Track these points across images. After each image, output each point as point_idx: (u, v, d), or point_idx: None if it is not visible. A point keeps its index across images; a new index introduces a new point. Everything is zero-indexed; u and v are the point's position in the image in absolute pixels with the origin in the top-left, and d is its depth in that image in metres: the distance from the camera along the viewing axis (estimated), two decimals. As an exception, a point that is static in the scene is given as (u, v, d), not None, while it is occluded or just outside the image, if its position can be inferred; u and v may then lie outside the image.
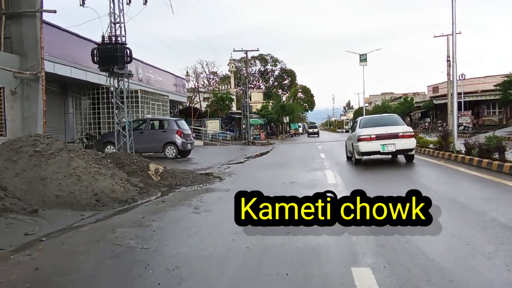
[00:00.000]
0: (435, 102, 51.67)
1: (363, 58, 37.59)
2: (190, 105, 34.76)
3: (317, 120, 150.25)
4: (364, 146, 12.32)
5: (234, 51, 41.94)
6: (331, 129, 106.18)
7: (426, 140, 17.30)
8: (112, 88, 13.73)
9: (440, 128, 45.22)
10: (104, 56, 12.95)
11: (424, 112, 56.63)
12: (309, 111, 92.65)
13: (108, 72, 13.52)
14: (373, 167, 12.90)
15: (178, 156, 18.12)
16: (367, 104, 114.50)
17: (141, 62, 23.93)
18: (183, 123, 18.44)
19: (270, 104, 56.59)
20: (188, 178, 11.25)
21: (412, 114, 59.63)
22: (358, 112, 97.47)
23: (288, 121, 62.81)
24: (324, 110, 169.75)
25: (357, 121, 14.49)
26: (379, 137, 12.12)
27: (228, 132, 50.47)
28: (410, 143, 12.31)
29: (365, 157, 13.22)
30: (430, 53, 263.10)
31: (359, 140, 12.40)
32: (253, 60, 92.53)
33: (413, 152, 12.75)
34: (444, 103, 50.64)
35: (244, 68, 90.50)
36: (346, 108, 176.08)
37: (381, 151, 12.18)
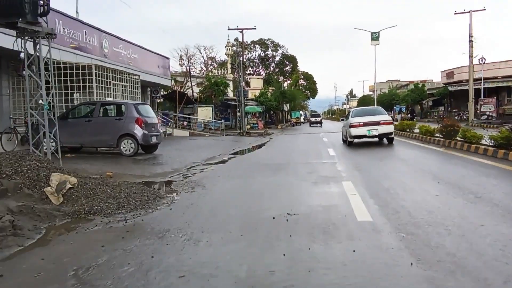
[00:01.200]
0: (450, 88, 46.76)
1: (375, 37, 32.79)
2: (175, 88, 30.06)
3: (318, 108, 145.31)
4: (354, 131, 15.72)
5: (228, 29, 37.07)
6: (334, 118, 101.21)
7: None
8: (22, 55, 9.08)
9: (456, 118, 40.57)
10: (2, 4, 8.29)
11: (436, 100, 51.75)
12: (311, 98, 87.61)
13: (15, 30, 8.84)
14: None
15: (141, 152, 13.51)
16: (371, 92, 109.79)
17: (107, 33, 19.19)
18: (146, 109, 13.73)
19: (270, 90, 51.72)
20: (118, 197, 6.66)
21: (424, 102, 54.75)
22: (363, 100, 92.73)
23: (288, 109, 57.81)
24: (326, 98, 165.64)
25: (350, 111, 19.24)
26: (365, 124, 15.48)
27: (222, 120, 45.94)
28: (389, 128, 15.76)
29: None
30: (434, 41, 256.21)
31: (351, 126, 15.79)
32: (252, 45, 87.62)
33: (392, 136, 16.17)
34: (461, 90, 45.81)
35: (241, 50, 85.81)
36: (349, 96, 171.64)
37: (367, 134, 15.58)
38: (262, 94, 49.01)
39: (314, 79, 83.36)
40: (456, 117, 40.64)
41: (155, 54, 25.89)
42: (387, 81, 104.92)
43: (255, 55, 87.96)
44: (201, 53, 67.10)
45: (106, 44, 19.11)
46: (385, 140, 16.59)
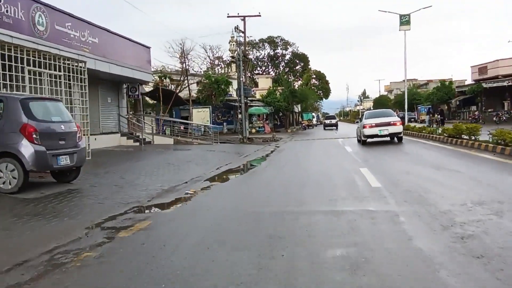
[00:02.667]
0: (484, 85, 40.26)
1: (404, 20, 26.60)
2: (159, 86, 24.30)
3: (330, 110, 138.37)
4: (367, 131, 17.71)
5: (228, 16, 31.26)
6: (348, 120, 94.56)
7: None
8: None
9: (495, 119, 34.05)
10: None
11: (466, 99, 45.23)
12: (323, 99, 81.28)
13: None
14: None
15: (51, 180, 7.70)
16: (386, 92, 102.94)
17: (44, 4, 13.49)
18: (48, 108, 7.85)
19: (279, 90, 45.72)
20: None
21: (451, 101, 48.19)
22: (379, 100, 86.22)
23: (299, 110, 51.45)
24: (338, 100, 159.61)
25: (363, 114, 21.72)
26: (377, 125, 17.51)
27: (224, 124, 40.16)
28: (398, 129, 17.66)
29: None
30: (449, 40, 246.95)
31: (364, 127, 17.84)
32: (261, 43, 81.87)
33: (401, 135, 18.16)
34: (496, 87, 39.40)
35: (249, 49, 79.82)
36: (362, 97, 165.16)
37: (379, 134, 17.52)
38: (270, 93, 43.06)
39: (327, 78, 77.05)
40: (494, 118, 34.38)
41: (130, 42, 20.15)
42: (403, 80, 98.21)
43: (264, 53, 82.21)
44: (206, 52, 61.87)
45: (42, 19, 13.38)
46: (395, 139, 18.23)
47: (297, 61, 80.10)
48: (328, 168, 10.99)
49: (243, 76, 27.80)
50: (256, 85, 67.23)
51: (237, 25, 28.13)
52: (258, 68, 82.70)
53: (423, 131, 21.15)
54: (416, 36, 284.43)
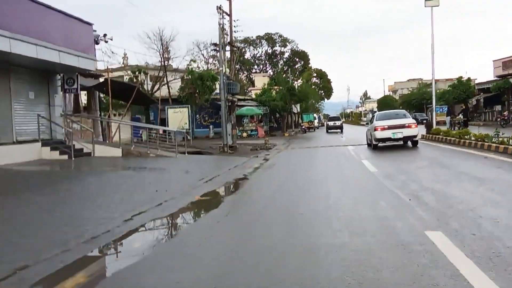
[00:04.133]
0: (512, 81, 34.24)
1: (433, -7, 20.78)
2: (106, 77, 18.24)
3: (331, 112, 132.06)
4: (379, 134, 15.48)
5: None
6: (350, 122, 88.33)
7: None
8: None
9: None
10: None
11: (488, 97, 39.21)
12: (325, 99, 75.17)
13: None
14: None
15: None
16: (390, 93, 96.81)
17: None
18: None
19: (275, 88, 39.71)
20: None
21: (470, 100, 42.10)
22: (383, 101, 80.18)
23: (298, 110, 44.93)
24: (338, 101, 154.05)
25: (374, 115, 19.31)
26: (390, 127, 15.42)
27: (211, 127, 34.14)
28: (414, 131, 15.51)
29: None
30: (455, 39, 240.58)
31: (375, 129, 15.55)
32: (258, 41, 76.04)
33: (417, 139, 16.00)
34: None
35: (245, 46, 73.83)
36: (363, 98, 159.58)
37: (392, 137, 15.45)
38: (265, 92, 37.09)
39: (329, 77, 71.04)
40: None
41: (62, 15, 14.20)
42: (408, 80, 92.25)
43: (262, 51, 76.34)
44: (200, 50, 55.86)
45: None
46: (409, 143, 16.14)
47: (297, 59, 74.19)
48: (354, 210, 5.16)
49: (226, 69, 21.74)
50: (253, 84, 61.27)
51: (220, 5, 22.12)
52: (256, 67, 76.94)
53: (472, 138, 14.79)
54: (418, 36, 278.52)
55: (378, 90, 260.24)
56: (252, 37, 76.07)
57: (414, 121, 16.26)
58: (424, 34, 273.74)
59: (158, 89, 32.25)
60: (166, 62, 32.35)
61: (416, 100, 57.02)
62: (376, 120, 16.55)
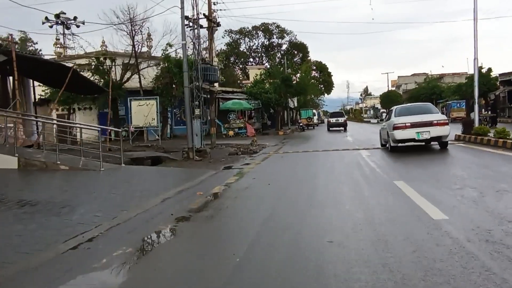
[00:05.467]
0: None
1: None
2: (11, 48, 12.71)
3: (330, 108, 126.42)
4: (399, 134, 12.23)
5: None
6: (353, 118, 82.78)
7: None
8: None
9: None
10: None
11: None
12: (325, 94, 69.72)
13: None
14: None
15: None
16: (393, 88, 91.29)
17: None
18: None
19: (269, 80, 34.33)
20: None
21: (490, 94, 36.76)
22: (387, 96, 74.97)
23: (296, 105, 38.84)
24: (337, 98, 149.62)
25: (392, 109, 14.15)
26: (414, 125, 12.09)
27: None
28: (444, 130, 12.08)
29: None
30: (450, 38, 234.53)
31: (395, 128, 12.28)
32: (254, 32, 70.67)
33: (447, 139, 12.44)
34: None
35: (241, 38, 68.43)
36: (364, 94, 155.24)
37: (416, 138, 12.13)
38: (257, 83, 31.75)
39: (329, 70, 65.60)
40: None
41: None
42: (412, 74, 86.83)
43: (258, 43, 70.91)
44: (192, 41, 50.63)
45: None
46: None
47: (295, 52, 68.75)
48: None
49: (194, 49, 16.37)
50: (248, 77, 55.82)
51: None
52: (252, 60, 71.49)
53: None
54: (417, 35, 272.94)
55: (378, 87, 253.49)
56: (248, 27, 70.74)
57: (444, 117, 12.95)
58: (422, 33, 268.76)
59: (129, 78, 26.91)
60: (138, 47, 27.00)
61: (425, 95, 51.66)
62: (395, 116, 12.99)
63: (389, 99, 73.59)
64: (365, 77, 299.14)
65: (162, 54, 26.38)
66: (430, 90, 50.40)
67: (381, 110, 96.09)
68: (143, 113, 20.14)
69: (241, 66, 68.82)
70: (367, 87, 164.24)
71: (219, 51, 70.16)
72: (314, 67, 64.13)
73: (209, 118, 26.64)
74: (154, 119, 20.05)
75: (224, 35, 69.98)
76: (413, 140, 12.27)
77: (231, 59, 70.39)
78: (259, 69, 56.63)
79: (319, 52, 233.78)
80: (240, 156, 14.18)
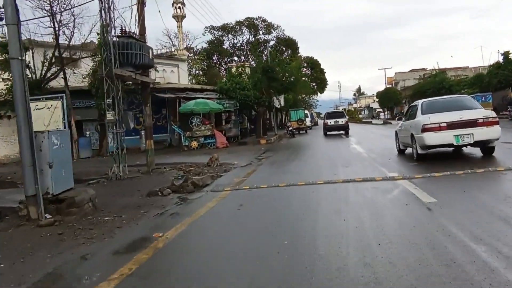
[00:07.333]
0: None
1: None
2: None
3: (323, 109, 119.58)
4: (431, 138, 9.04)
5: None
6: (350, 119, 75.50)
7: None
8: None
9: None
10: None
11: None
12: (318, 93, 62.55)
13: None
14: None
15: None
16: (390, 85, 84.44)
17: None
18: None
19: (247, 75, 27.11)
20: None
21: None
22: (386, 94, 68.29)
23: (281, 104, 30.34)
24: (329, 99, 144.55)
25: (417, 105, 10.56)
26: (451, 126, 8.89)
27: (143, 132, 21.57)
28: (494, 132, 8.88)
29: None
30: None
31: (425, 130, 9.11)
32: (238, 27, 63.62)
33: (494, 144, 9.22)
34: None
35: (224, 34, 61.19)
36: (357, 94, 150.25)
37: (455, 143, 8.91)
38: (232, 77, 24.53)
39: (322, 66, 58.48)
40: None
41: None
42: (410, 70, 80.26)
43: (242, 40, 63.79)
44: (171, 40, 43.89)
45: None
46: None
47: (284, 48, 61.71)
48: None
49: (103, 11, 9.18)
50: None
51: None
52: (236, 58, 64.27)
53: None
54: (412, 32, 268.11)
55: (369, 86, 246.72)
56: (231, 23, 63.75)
57: (492, 113, 9.38)
58: (413, 31, 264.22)
59: (54, 75, 19.54)
60: (63, 32, 19.64)
61: (431, 89, 44.69)
62: (422, 114, 9.69)
63: (387, 97, 66.80)
64: (356, 76, 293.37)
65: (97, 39, 19.08)
66: (438, 84, 43.51)
67: (377, 110, 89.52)
68: (43, 119, 12.86)
69: (224, 66, 61.76)
70: (360, 87, 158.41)
71: (199, 49, 62.66)
72: (305, 64, 57.10)
73: (142, 125, 19.44)
74: (58, 126, 12.80)
75: (205, 32, 63.10)
76: (451, 145, 9.27)
77: (214, 58, 63.30)
78: (243, 66, 49.23)
79: (309, 50, 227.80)
80: (161, 201, 6.98)
